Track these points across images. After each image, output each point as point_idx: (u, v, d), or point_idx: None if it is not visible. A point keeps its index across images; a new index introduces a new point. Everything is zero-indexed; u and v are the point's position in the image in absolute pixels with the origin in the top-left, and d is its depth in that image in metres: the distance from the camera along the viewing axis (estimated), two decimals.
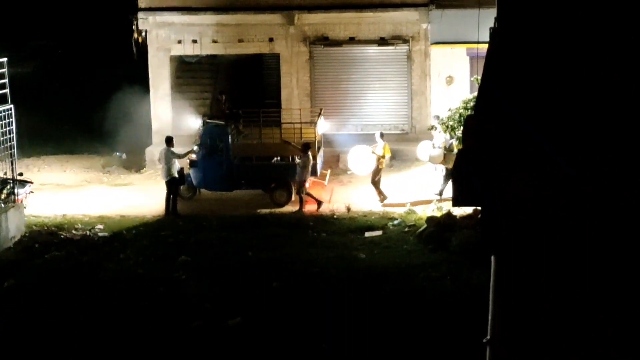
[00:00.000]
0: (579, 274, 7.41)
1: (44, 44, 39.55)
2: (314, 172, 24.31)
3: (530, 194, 7.48)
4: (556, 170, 7.33)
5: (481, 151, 8.65)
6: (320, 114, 25.82)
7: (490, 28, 10.68)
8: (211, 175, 24.06)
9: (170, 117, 29.27)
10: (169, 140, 23.63)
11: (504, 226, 7.74)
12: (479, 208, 18.65)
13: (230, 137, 24.29)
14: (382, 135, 24.28)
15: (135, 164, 29.27)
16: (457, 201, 9.43)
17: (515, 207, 7.61)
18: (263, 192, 24.47)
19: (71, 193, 25.88)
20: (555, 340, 7.58)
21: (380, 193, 23.87)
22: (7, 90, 21.25)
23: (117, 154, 30.09)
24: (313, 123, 25.33)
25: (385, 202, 23.72)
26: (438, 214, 21.53)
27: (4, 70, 21.12)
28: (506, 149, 7.69)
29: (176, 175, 23.32)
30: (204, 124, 25.06)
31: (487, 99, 8.45)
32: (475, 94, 24.11)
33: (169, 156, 23.24)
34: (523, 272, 7.69)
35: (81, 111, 33.72)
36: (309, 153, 23.45)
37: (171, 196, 23.34)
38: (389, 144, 24.39)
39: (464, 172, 9.03)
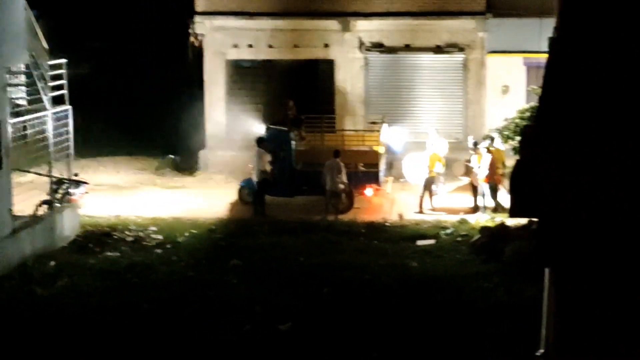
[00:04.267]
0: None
1: (101, 46, 39.93)
2: (376, 180, 24.28)
3: (590, 205, 7.37)
4: (617, 180, 7.22)
5: (540, 161, 8.55)
6: (383, 121, 25.82)
7: (549, 38, 10.56)
8: (273, 181, 24.05)
9: (225, 120, 29.40)
10: (260, 141, 23.76)
11: (561, 238, 7.63)
12: (534, 219, 18.46)
13: (293, 142, 24.36)
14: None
15: (188, 167, 29.43)
16: (514, 212, 9.33)
17: (575, 219, 7.49)
18: (325, 198, 24.33)
19: (125, 194, 26.10)
20: (612, 353, 7.46)
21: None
22: (65, 92, 21.48)
23: (170, 156, 30.28)
24: (376, 130, 25.27)
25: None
26: (491, 224, 21.35)
27: (63, 71, 21.36)
28: (566, 160, 7.58)
29: (265, 176, 23.44)
30: (268, 129, 25.15)
31: (547, 109, 8.35)
32: (532, 103, 23.98)
33: (260, 157, 23.36)
34: (581, 285, 7.57)
35: (135, 114, 34.00)
36: (337, 159, 23.32)
37: (260, 197, 23.57)
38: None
39: (521, 183, 8.94)
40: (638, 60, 7.16)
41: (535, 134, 9.90)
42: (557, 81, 7.69)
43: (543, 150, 8.76)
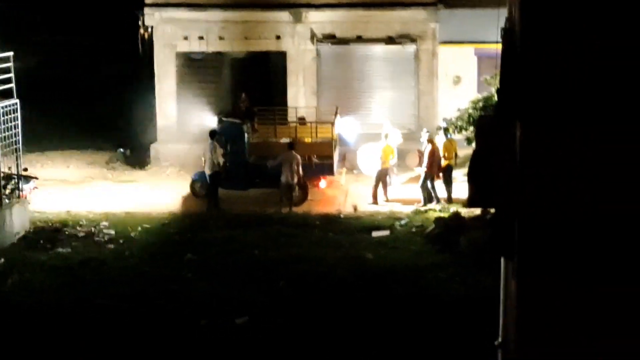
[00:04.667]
0: (600, 273, 7.31)
1: (49, 39, 39.37)
2: (330, 171, 24.22)
3: (549, 193, 7.36)
4: (577, 168, 7.22)
5: (495, 152, 8.52)
6: (336, 112, 25.73)
7: (502, 28, 10.54)
8: (226, 174, 23.83)
9: (176, 113, 29.11)
10: (214, 134, 23.54)
11: (520, 227, 7.62)
12: (489, 210, 18.54)
13: (246, 135, 24.20)
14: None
15: (139, 160, 29.11)
16: (472, 202, 9.32)
17: (531, 209, 7.47)
18: (278, 191, 24.18)
19: (75, 189, 25.72)
20: (574, 343, 7.47)
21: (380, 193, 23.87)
22: (12, 85, 21.07)
23: (121, 150, 29.92)
24: (330, 122, 25.16)
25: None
26: (445, 214, 21.38)
27: (10, 64, 20.95)
28: (522, 150, 7.57)
29: (218, 169, 23.24)
30: (220, 121, 24.95)
31: (503, 100, 8.33)
32: (485, 94, 24.07)
33: (213, 150, 23.14)
34: (541, 275, 7.56)
35: (84, 107, 33.58)
36: (293, 152, 23.22)
37: (213, 190, 23.40)
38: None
39: (478, 173, 8.91)
40: (596, 51, 7.15)
41: (490, 124, 9.89)
42: (513, 72, 7.67)
43: (499, 141, 8.76)
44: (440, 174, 23.40)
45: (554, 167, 7.25)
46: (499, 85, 8.55)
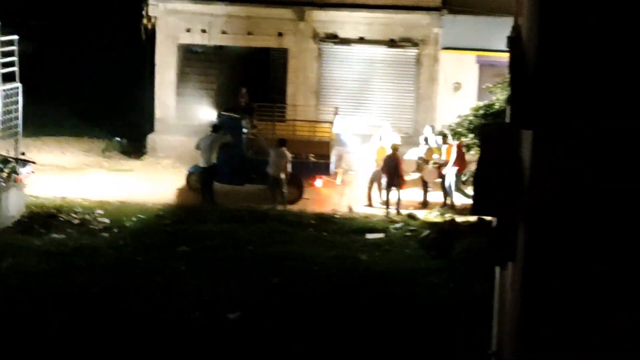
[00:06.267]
0: (609, 283, 7.27)
1: (46, 24, 39.20)
2: (327, 171, 24.25)
3: (559, 201, 7.32)
4: (588, 176, 7.18)
5: (503, 159, 8.55)
6: (336, 112, 25.77)
7: (508, 37, 10.58)
8: (223, 168, 23.80)
9: (174, 105, 29.12)
10: (217, 128, 23.50)
11: (526, 235, 7.62)
12: (484, 217, 18.49)
13: (244, 130, 24.20)
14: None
15: (135, 150, 29.09)
16: (477, 209, 9.32)
17: (541, 214, 7.45)
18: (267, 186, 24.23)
19: (71, 176, 25.70)
20: (581, 351, 7.44)
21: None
22: (16, 69, 21.04)
23: (118, 139, 29.90)
24: (329, 122, 25.20)
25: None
26: (441, 220, 21.43)
27: (14, 48, 20.92)
28: (535, 156, 7.56)
29: (215, 162, 23.22)
30: (219, 115, 24.94)
31: (515, 110, 8.33)
32: (485, 101, 24.14)
33: (213, 143, 23.09)
34: (550, 279, 7.54)
35: (82, 94, 33.52)
36: (284, 149, 23.22)
37: (209, 184, 23.40)
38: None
39: (483, 181, 8.93)
40: (606, 55, 7.09)
41: (496, 132, 9.92)
42: (525, 80, 7.68)
43: (505, 148, 8.79)
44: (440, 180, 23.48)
45: (560, 175, 7.22)
46: (511, 93, 8.56)
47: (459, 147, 23.14)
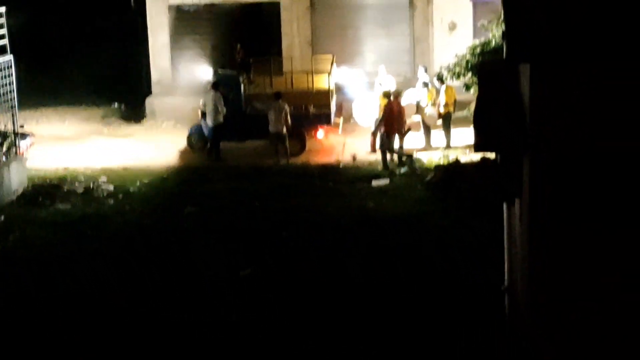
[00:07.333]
0: (616, 215, 7.24)
1: None
2: (327, 121, 24.10)
3: (562, 132, 7.26)
4: (591, 107, 7.13)
5: (502, 95, 8.43)
6: (332, 61, 25.52)
7: None
8: (223, 126, 23.63)
9: (170, 67, 28.94)
10: (217, 85, 23.34)
11: (532, 169, 7.56)
12: (489, 155, 18.43)
13: (242, 86, 24.02)
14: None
15: (135, 115, 28.95)
16: (478, 147, 9.22)
17: (547, 149, 7.39)
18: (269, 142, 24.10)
19: (71, 145, 25.61)
20: (584, 287, 7.44)
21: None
22: (6, 41, 20.85)
23: (116, 105, 29.74)
24: (326, 71, 24.96)
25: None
26: (445, 161, 21.32)
27: (3, 20, 20.70)
28: (533, 90, 7.50)
29: (222, 120, 23.05)
30: (215, 73, 24.76)
31: (510, 46, 8.20)
32: (482, 39, 23.90)
33: (217, 101, 22.94)
34: (552, 216, 7.49)
35: (77, 63, 33.29)
36: (280, 101, 23.03)
37: (216, 142, 23.36)
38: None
39: (485, 118, 8.82)
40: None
41: (494, 69, 9.78)
42: (519, 15, 7.56)
43: (503, 85, 8.66)
44: (440, 121, 23.34)
45: (568, 106, 7.17)
46: (504, 29, 8.43)
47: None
